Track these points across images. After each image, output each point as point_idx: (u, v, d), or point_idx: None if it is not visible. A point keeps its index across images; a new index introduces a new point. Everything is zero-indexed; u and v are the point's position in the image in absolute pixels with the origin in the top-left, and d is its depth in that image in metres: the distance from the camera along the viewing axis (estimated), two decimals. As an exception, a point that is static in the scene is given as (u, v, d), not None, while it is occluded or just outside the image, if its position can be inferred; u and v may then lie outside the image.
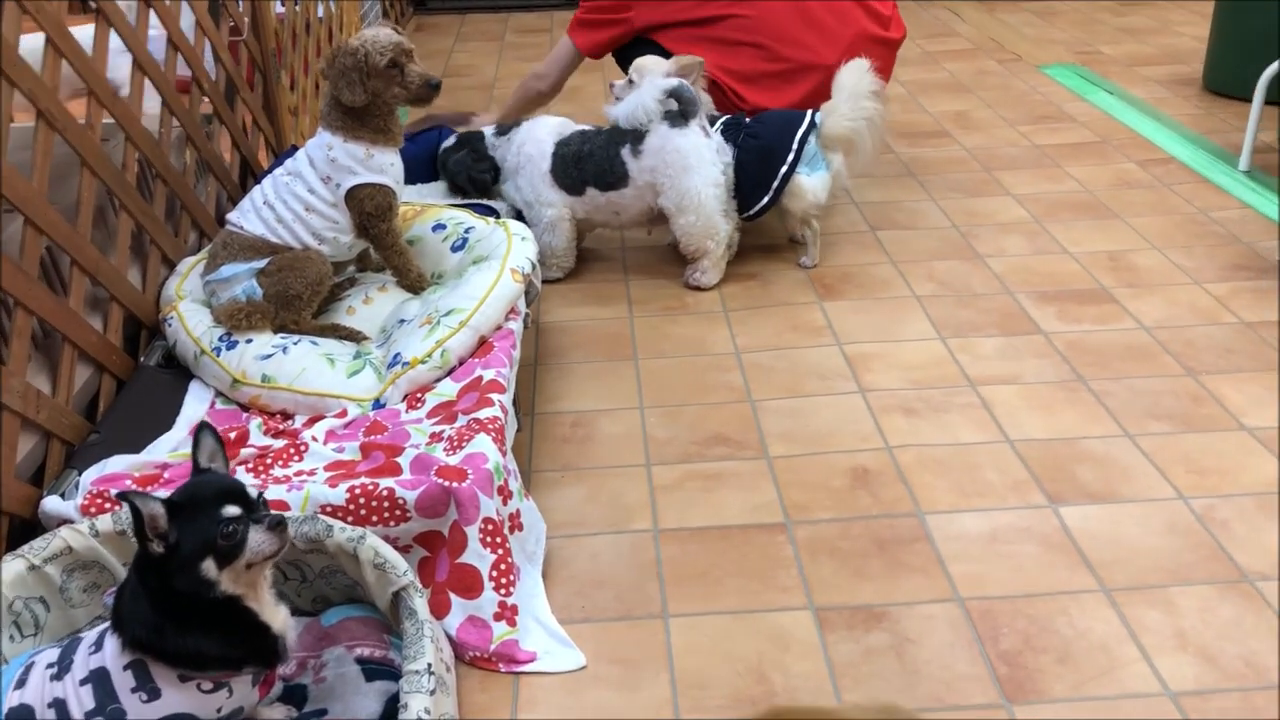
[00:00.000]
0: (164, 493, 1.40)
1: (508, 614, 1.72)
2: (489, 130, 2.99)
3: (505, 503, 1.79)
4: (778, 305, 2.80)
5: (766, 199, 2.82)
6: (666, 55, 3.03)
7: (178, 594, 1.32)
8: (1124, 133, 3.83)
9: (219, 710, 1.37)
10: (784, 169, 2.79)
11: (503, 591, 1.73)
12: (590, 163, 2.82)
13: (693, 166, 2.73)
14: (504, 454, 1.83)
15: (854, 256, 3.03)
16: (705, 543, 1.97)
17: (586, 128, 2.92)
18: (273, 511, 1.38)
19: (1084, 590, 1.81)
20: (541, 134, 2.90)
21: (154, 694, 1.33)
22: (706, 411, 2.37)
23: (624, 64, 3.22)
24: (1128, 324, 2.61)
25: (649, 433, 2.29)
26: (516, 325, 2.20)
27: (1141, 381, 2.38)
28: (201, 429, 1.41)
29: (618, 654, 1.73)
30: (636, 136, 2.78)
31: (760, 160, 2.82)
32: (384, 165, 2.25)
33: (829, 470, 2.15)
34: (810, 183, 2.85)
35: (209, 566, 1.32)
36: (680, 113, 2.74)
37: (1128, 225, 3.12)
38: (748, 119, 2.90)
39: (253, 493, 1.37)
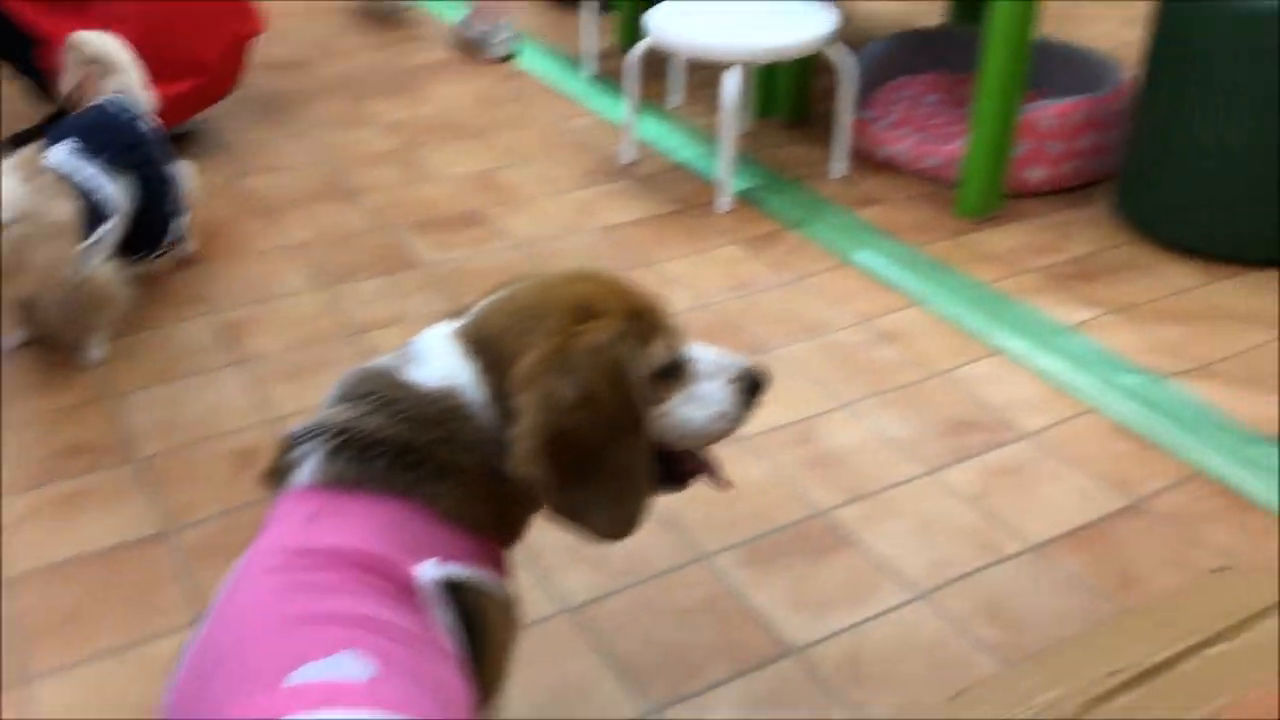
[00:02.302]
0: None
1: None
2: None
3: None
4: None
5: None
6: None
7: None
8: (481, 48, 3.90)
9: None
10: None
11: None
12: None
13: None
14: None
15: (221, 210, 2.78)
16: (71, 579, 1.71)
17: None
18: None
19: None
20: None
21: None
22: (59, 417, 2.05)
23: None
24: (502, 243, 2.67)
25: (-11, 459, 1.94)
26: None
27: (519, 300, 2.44)
28: None
29: (-30, 746, 1.45)
30: None
31: None
32: None
33: (212, 460, 1.95)
34: None
35: None
36: None
37: (490, 143, 3.18)
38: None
39: None
